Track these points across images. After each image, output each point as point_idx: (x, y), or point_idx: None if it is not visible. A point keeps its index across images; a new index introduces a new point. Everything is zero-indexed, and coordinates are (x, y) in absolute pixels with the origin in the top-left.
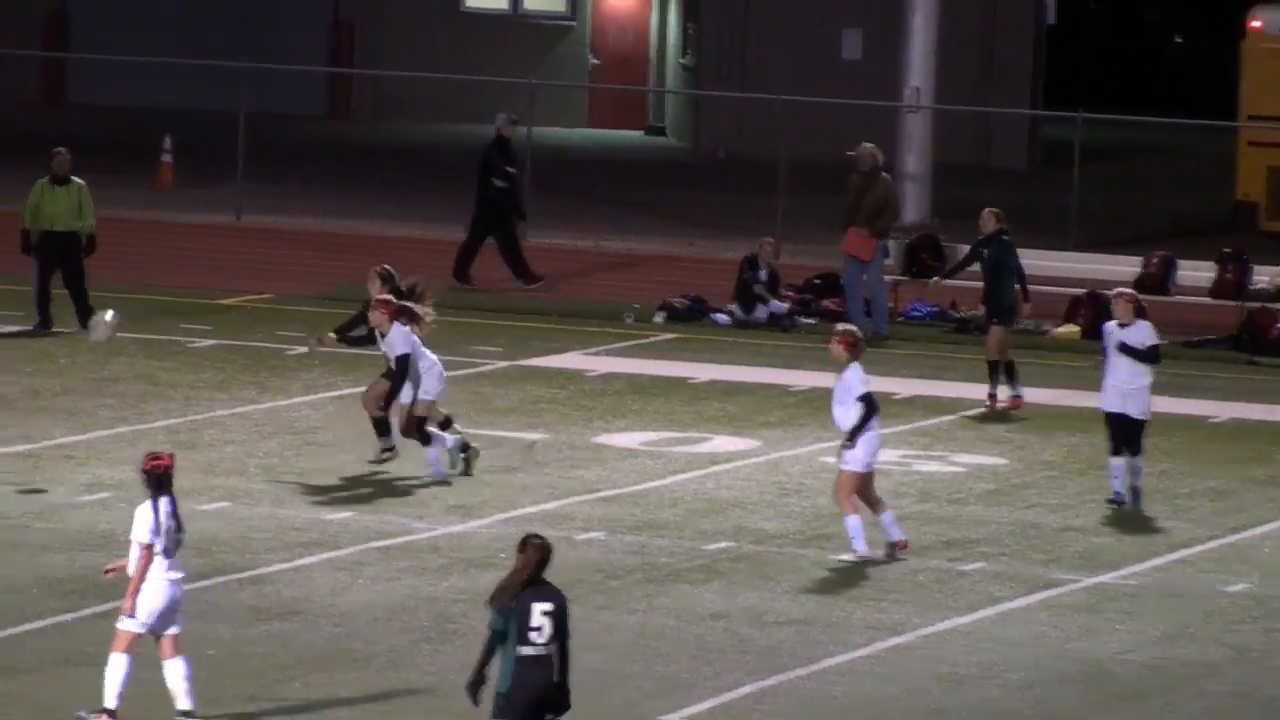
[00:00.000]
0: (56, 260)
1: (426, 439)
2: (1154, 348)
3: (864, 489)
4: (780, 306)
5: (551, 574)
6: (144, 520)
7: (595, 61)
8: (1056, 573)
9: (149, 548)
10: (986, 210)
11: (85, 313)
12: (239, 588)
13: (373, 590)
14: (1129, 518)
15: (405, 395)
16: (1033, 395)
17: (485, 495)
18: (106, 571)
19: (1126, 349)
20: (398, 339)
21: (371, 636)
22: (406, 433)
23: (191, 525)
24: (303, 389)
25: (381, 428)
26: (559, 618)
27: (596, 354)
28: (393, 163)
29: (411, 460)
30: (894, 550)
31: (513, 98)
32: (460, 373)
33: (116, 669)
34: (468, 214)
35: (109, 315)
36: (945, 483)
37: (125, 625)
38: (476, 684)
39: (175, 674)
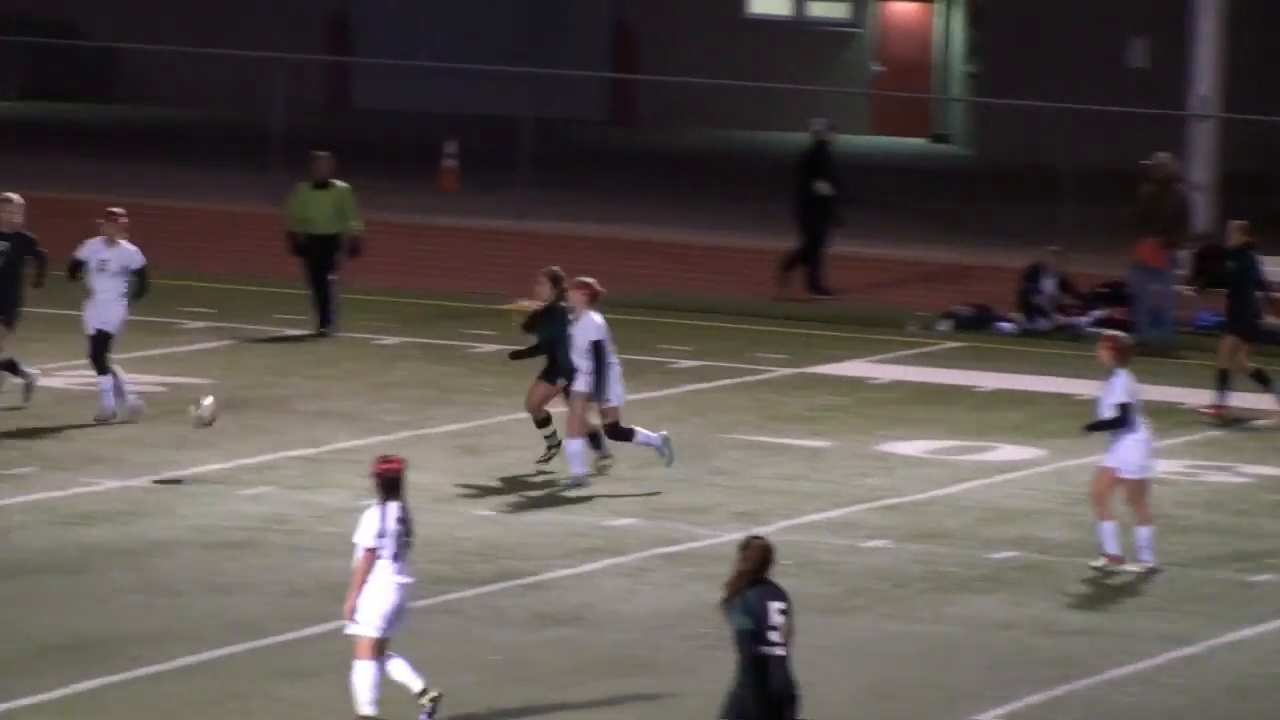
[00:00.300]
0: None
1: (597, 441)
2: None
3: (1135, 497)
4: (1079, 321)
5: (838, 581)
6: (370, 524)
7: (879, 68)
8: None
9: (372, 551)
10: (1232, 222)
11: (327, 315)
12: (522, 593)
13: (657, 597)
14: None
15: (581, 384)
16: None
17: (769, 503)
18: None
19: None
20: (592, 325)
21: (656, 643)
22: (576, 432)
23: (474, 530)
24: None
25: (546, 425)
26: (790, 617)
27: (881, 362)
28: (675, 169)
29: (692, 466)
30: (1109, 564)
31: (796, 104)
32: (744, 380)
33: (364, 675)
34: (749, 220)
35: (208, 402)
36: (1233, 493)
37: (359, 630)
38: (736, 696)
39: (401, 669)
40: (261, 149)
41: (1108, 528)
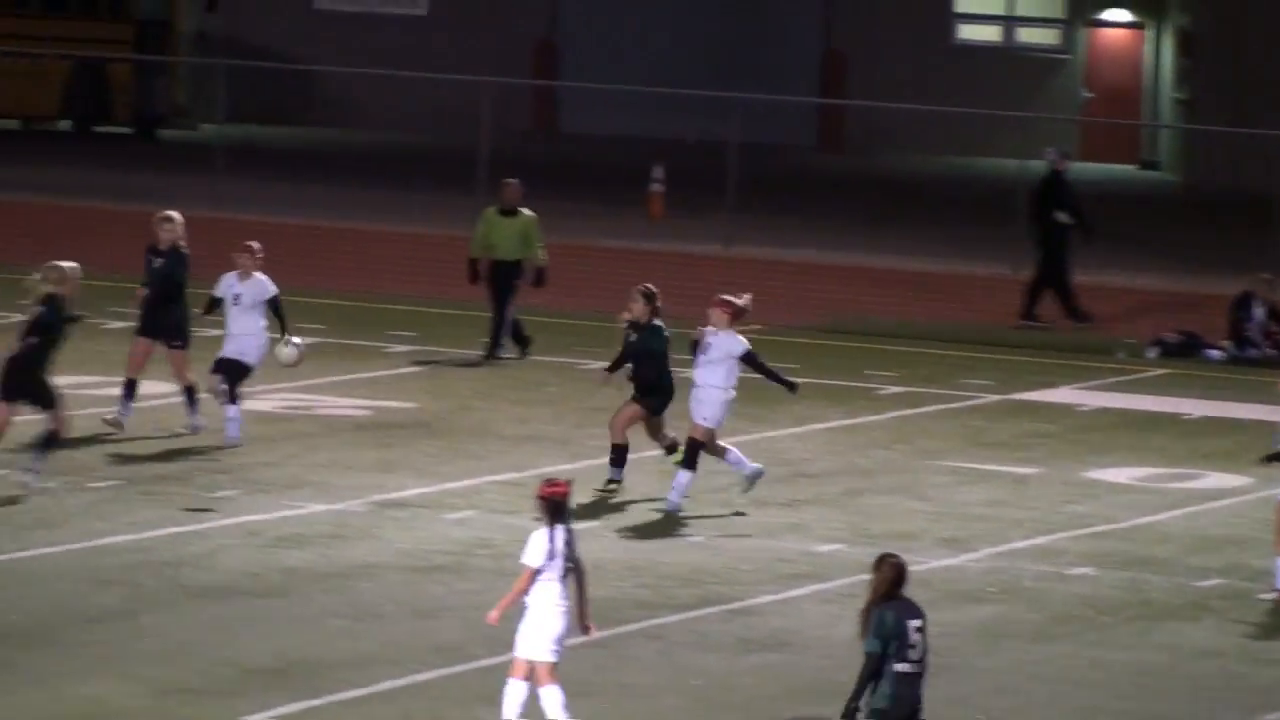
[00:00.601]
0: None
1: (692, 462)
2: None
3: None
4: None
5: (1043, 608)
6: (538, 546)
7: (1088, 94)
8: None
9: (535, 571)
10: None
11: (497, 340)
12: (728, 619)
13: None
14: None
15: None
16: None
17: (976, 530)
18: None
19: None
20: (733, 341)
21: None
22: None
23: (677, 555)
24: (792, 420)
25: (622, 456)
26: (925, 635)
27: (1088, 388)
28: (883, 194)
29: (898, 492)
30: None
31: (1004, 131)
32: (951, 406)
33: (554, 699)
34: (958, 248)
35: (297, 340)
36: None
37: (540, 656)
38: (851, 713)
39: (552, 701)
40: (468, 173)
41: None
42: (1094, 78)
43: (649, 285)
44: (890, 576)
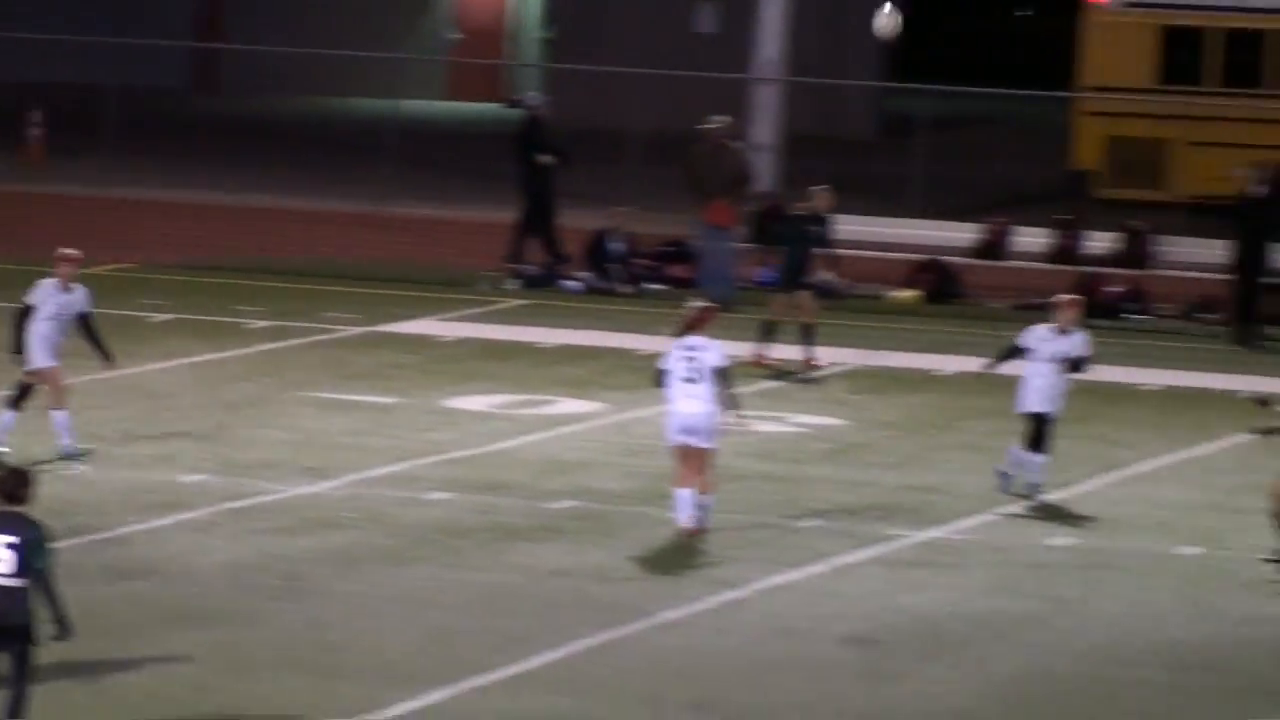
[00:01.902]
0: None
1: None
2: (1086, 359)
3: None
4: (646, 279)
5: (399, 533)
6: None
7: (456, 35)
8: (890, 529)
9: None
10: (814, 189)
11: None
12: (97, 549)
13: (226, 550)
14: (960, 477)
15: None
16: (872, 358)
17: (338, 458)
18: None
19: (1068, 362)
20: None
21: (225, 594)
22: None
23: (47, 489)
24: (160, 355)
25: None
26: (24, 550)
27: (450, 320)
28: (254, 136)
29: (262, 424)
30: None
31: (376, 70)
32: (317, 339)
33: None
34: (325, 184)
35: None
36: (785, 443)
37: None
38: None
39: None
40: None
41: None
42: (463, 19)
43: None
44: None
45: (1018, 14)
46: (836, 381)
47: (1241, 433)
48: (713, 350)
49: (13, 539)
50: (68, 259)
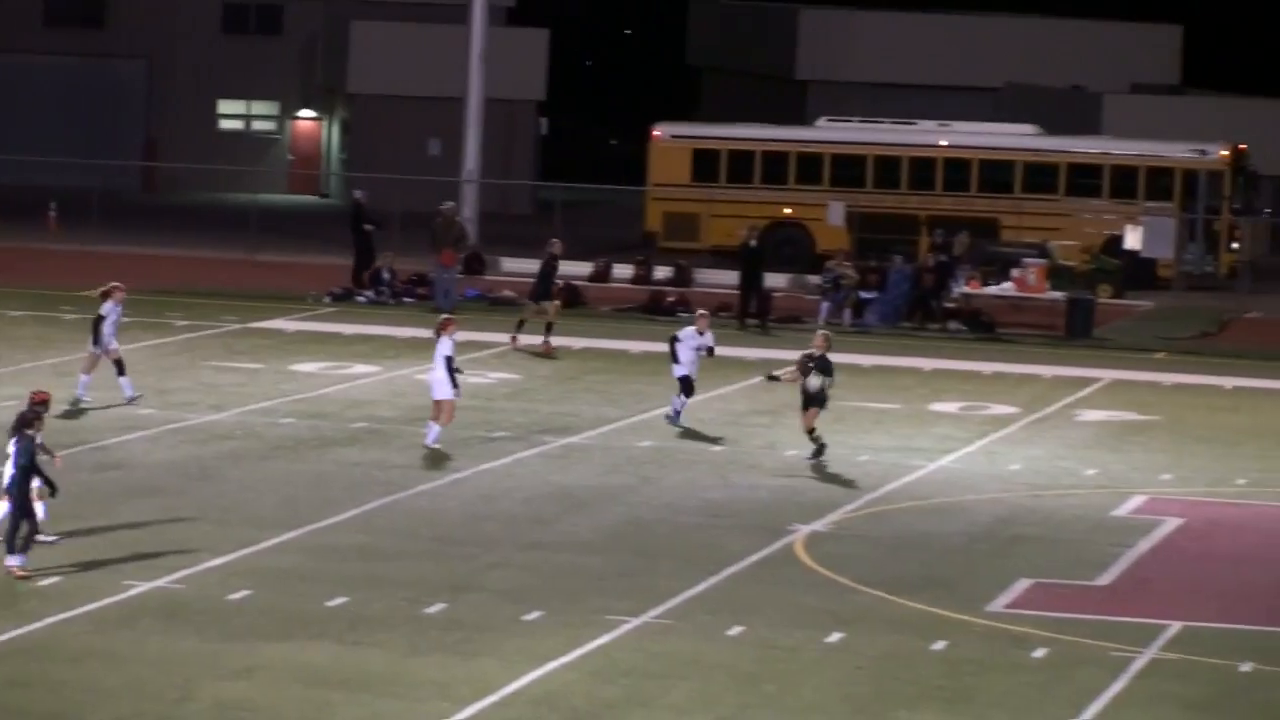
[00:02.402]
0: None
1: None
2: (713, 347)
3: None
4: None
5: (265, 443)
6: None
7: (291, 157)
8: (545, 437)
9: None
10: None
11: None
12: (89, 454)
13: (166, 454)
14: (586, 409)
15: None
16: (531, 341)
17: (228, 399)
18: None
19: (706, 350)
20: None
21: (165, 479)
22: None
23: (66, 420)
24: (124, 341)
25: None
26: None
27: (292, 319)
28: (181, 215)
29: None
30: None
31: (248, 178)
32: (214, 332)
33: None
34: (226, 243)
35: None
36: (485, 389)
37: None
38: None
39: None
40: None
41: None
42: (295, 147)
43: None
44: None
45: (612, 142)
46: (514, 354)
47: (750, 380)
48: (444, 344)
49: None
50: (119, 288)
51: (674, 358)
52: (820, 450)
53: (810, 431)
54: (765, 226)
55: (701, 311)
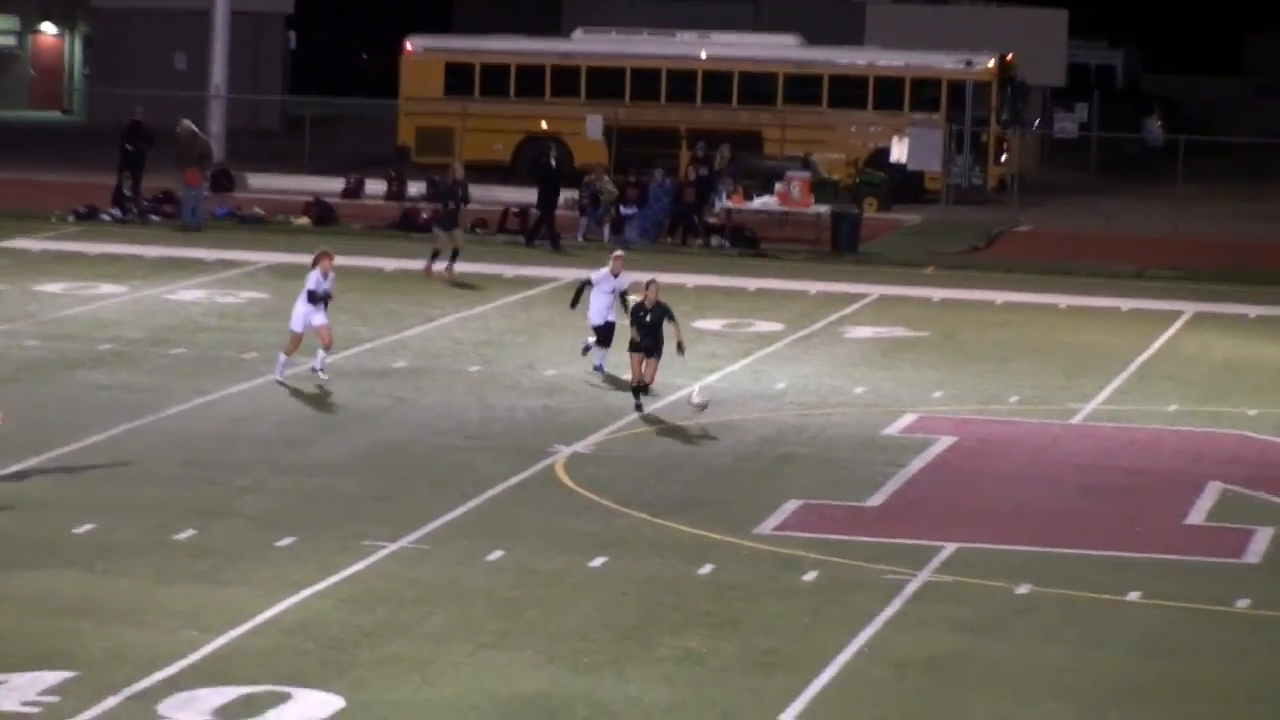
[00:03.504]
0: None
1: None
2: (626, 291)
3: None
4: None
5: (11, 366)
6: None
7: (34, 73)
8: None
9: None
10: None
11: None
12: None
13: None
14: (339, 325)
15: None
16: (281, 259)
17: None
18: None
19: (618, 294)
20: None
21: None
22: None
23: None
24: None
25: None
26: None
27: (36, 239)
28: None
29: None
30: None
31: None
32: None
33: None
34: None
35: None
36: (235, 308)
37: None
38: None
39: None
40: None
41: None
42: (37, 63)
43: None
44: None
45: (363, 55)
46: (262, 274)
47: (507, 298)
48: (313, 277)
49: None
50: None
51: (574, 302)
52: (643, 392)
53: (647, 386)
54: (520, 141)
55: (618, 252)
